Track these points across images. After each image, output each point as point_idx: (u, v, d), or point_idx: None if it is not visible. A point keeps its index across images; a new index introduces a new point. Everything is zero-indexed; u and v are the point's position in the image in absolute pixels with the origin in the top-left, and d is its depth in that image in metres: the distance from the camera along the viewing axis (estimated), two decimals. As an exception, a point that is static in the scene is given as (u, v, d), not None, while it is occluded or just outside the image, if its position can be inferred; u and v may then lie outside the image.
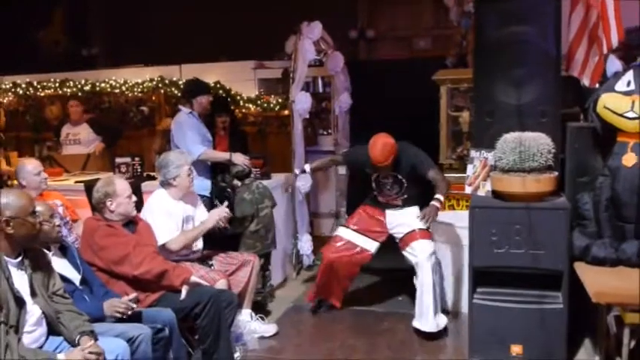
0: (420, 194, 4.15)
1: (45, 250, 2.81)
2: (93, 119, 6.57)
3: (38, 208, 2.83)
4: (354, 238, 4.28)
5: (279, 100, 6.75)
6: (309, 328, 4.24)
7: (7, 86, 7.77)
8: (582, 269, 3.25)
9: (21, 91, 7.73)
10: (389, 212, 4.24)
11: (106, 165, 6.11)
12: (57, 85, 7.59)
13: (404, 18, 8.51)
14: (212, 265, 3.90)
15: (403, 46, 8.63)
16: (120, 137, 6.71)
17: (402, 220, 4.17)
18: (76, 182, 5.31)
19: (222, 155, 4.82)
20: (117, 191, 3.38)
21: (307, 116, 5.45)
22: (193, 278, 3.36)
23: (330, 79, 6.51)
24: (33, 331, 2.56)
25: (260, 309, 4.33)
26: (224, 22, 7.97)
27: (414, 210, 4.16)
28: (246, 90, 6.93)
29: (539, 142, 3.30)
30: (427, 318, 3.90)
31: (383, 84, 6.86)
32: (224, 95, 6.61)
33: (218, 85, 6.89)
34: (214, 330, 3.29)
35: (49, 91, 7.65)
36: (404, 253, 4.10)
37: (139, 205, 4.04)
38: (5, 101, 7.85)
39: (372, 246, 4.27)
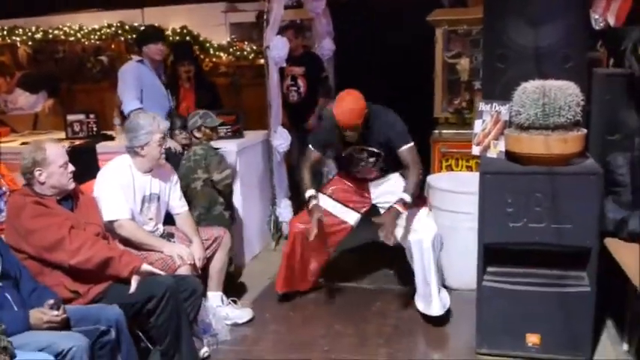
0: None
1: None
2: (24, 78, 5.85)
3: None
4: (331, 207, 3.64)
5: (254, 48, 6.07)
6: (288, 312, 3.68)
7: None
8: (616, 247, 2.73)
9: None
10: (370, 183, 3.64)
11: (59, 123, 5.46)
12: (5, 33, 6.80)
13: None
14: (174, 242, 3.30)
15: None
16: (57, 83, 5.99)
17: (387, 187, 3.57)
18: (23, 144, 4.70)
19: None
20: (47, 159, 2.73)
21: (284, 65, 4.77)
22: (145, 266, 2.76)
23: (311, 23, 5.77)
24: None
25: (233, 290, 3.77)
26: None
27: (398, 176, 3.55)
28: (217, 36, 6.26)
29: (566, 93, 2.70)
30: (432, 301, 3.35)
31: (369, 28, 6.15)
32: (188, 40, 5.90)
33: (185, 31, 6.21)
34: (173, 329, 2.72)
35: (-3, 40, 6.87)
36: None
37: (94, 169, 3.47)
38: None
39: (352, 217, 3.66)
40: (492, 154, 3.06)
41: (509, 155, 2.93)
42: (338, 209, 3.65)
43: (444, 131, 4.53)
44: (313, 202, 3.46)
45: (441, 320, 3.37)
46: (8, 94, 5.71)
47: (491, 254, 2.92)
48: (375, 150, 3.42)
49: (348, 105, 3.22)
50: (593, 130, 3.04)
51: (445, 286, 3.60)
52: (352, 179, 3.67)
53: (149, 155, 3.20)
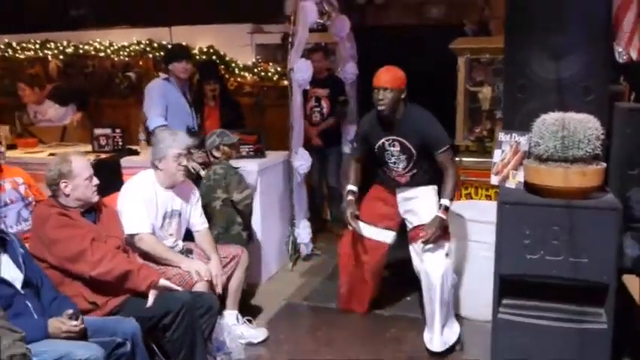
0: (435, 171, 3.48)
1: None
2: (55, 90, 5.99)
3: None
4: (365, 231, 3.71)
5: (279, 69, 6.16)
6: (304, 333, 3.70)
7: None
8: (634, 284, 2.69)
9: (-1, 53, 7.16)
10: (400, 193, 3.63)
11: (86, 136, 5.57)
12: (37, 46, 7.00)
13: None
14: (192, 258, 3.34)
15: (414, 13, 7.94)
16: (87, 97, 6.14)
17: (414, 205, 3.56)
18: (50, 155, 4.80)
19: None
20: (73, 171, 2.82)
21: (308, 87, 4.83)
22: (162, 281, 2.81)
23: (335, 47, 5.85)
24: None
25: (249, 309, 3.80)
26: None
27: (429, 193, 3.53)
28: (242, 57, 6.37)
29: (586, 126, 2.70)
30: (433, 336, 3.36)
31: (393, 53, 6.19)
32: (214, 59, 6.00)
33: (211, 51, 6.33)
34: (187, 344, 2.76)
35: (29, 53, 7.06)
36: (410, 248, 3.54)
37: (118, 183, 3.53)
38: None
39: (386, 236, 3.72)
40: (511, 184, 3.06)
41: (528, 186, 2.93)
42: (373, 232, 3.72)
43: (464, 159, 4.54)
44: (349, 197, 3.60)
45: (450, 350, 3.36)
46: (38, 104, 5.85)
47: (507, 286, 2.90)
48: (407, 144, 3.41)
49: (385, 67, 3.42)
50: (613, 165, 3.02)
51: (461, 317, 3.59)
52: (381, 192, 3.70)
53: (166, 170, 3.26)
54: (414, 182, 3.55)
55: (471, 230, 3.68)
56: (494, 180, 3.15)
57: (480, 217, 3.64)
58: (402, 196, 3.63)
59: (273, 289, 4.35)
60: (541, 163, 2.82)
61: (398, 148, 3.45)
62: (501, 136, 3.14)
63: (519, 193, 2.96)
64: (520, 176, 3.02)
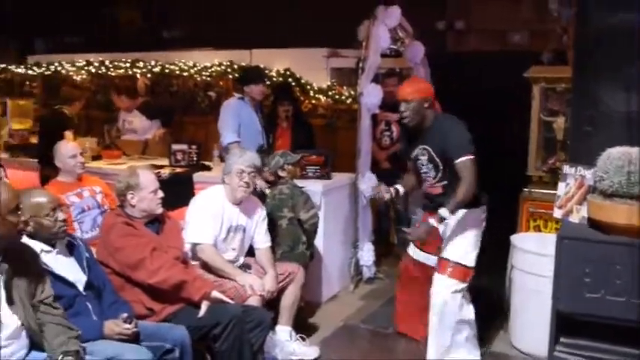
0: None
1: (35, 251, 2.42)
2: (144, 104, 6.37)
3: (40, 200, 2.48)
4: (417, 255, 3.75)
5: (352, 92, 6.24)
6: (356, 355, 3.70)
7: (81, 64, 7.73)
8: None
9: (93, 70, 7.65)
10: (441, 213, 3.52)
11: (166, 151, 5.84)
12: (127, 65, 7.45)
13: (498, 9, 7.69)
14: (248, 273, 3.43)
15: (495, 39, 7.83)
16: (172, 115, 6.46)
17: (447, 232, 3.46)
18: (130, 167, 5.06)
19: None
20: (140, 184, 2.99)
21: (377, 111, 4.87)
22: (215, 293, 2.90)
23: (409, 72, 5.86)
24: (9, 345, 2.17)
25: (305, 327, 3.84)
26: (299, 4, 7.47)
27: (465, 227, 3.41)
28: (318, 79, 6.51)
29: (653, 162, 2.58)
30: None
31: (470, 79, 6.17)
32: (289, 81, 6.16)
33: (288, 73, 6.50)
34: (236, 356, 2.82)
35: (120, 71, 7.53)
36: None
37: (189, 196, 3.69)
38: (79, 79, 7.83)
39: (433, 261, 3.66)
40: (575, 219, 2.95)
41: (591, 222, 2.81)
42: (422, 256, 3.73)
43: (534, 190, 4.39)
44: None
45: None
46: (128, 112, 6.25)
47: (565, 323, 2.78)
48: (432, 153, 3.38)
49: (408, 80, 3.63)
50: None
51: (517, 349, 3.46)
52: (429, 213, 3.59)
53: (230, 185, 3.39)
54: (448, 195, 3.37)
55: (532, 262, 3.56)
56: (558, 213, 3.05)
57: (542, 249, 3.51)
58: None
59: (333, 310, 4.37)
60: (605, 198, 2.70)
61: (426, 157, 3.43)
62: (566, 169, 3.04)
63: (581, 228, 2.85)
64: (584, 211, 2.90)
